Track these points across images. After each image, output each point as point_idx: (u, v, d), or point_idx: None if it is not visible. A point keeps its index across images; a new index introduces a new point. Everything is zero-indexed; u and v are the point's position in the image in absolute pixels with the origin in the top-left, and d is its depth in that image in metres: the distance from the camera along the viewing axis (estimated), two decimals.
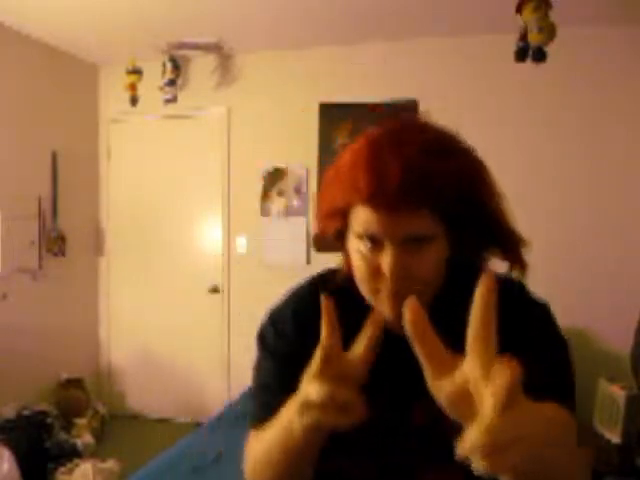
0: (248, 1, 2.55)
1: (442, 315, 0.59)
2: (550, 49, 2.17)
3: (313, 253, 3.15)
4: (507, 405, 0.40)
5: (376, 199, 0.59)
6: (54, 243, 3.15)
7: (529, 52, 2.24)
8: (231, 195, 3.35)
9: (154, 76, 3.18)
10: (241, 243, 3.34)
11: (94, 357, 3.64)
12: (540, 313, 0.70)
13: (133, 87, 3.19)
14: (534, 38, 2.15)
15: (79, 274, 3.48)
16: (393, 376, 0.67)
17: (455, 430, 0.50)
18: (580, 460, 0.51)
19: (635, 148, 2.71)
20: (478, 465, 0.40)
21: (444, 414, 0.51)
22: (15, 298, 2.90)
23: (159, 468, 1.84)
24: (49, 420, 2.70)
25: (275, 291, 0.87)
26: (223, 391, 3.37)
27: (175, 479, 1.78)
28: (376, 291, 0.64)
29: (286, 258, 3.21)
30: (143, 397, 3.57)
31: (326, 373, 0.54)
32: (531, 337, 0.66)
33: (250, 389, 0.79)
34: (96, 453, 2.76)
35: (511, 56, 2.30)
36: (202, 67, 3.34)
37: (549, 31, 2.12)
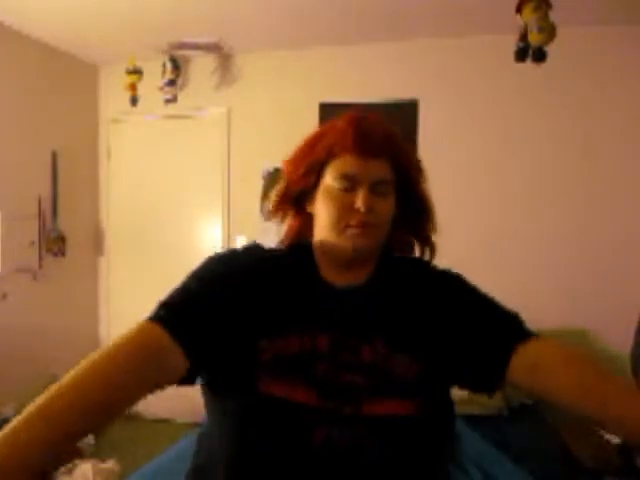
0: (248, 1, 2.55)
1: (375, 291, 0.81)
2: (550, 49, 2.17)
3: None
4: None
5: (362, 147, 0.78)
6: (54, 243, 3.15)
7: (529, 52, 2.23)
8: (231, 195, 3.36)
9: (154, 76, 3.18)
10: (241, 243, 3.34)
11: None
12: (451, 275, 0.85)
13: (133, 87, 3.18)
14: (534, 38, 2.14)
15: (79, 274, 3.48)
16: (344, 322, 0.78)
17: (400, 367, 0.73)
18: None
19: (636, 148, 2.71)
20: None
21: (389, 355, 0.73)
22: (15, 298, 2.90)
23: (159, 468, 1.84)
24: None
25: None
26: None
27: (175, 479, 1.78)
28: (344, 227, 0.78)
29: None
30: None
31: None
32: (467, 299, 0.81)
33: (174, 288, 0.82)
34: (96, 453, 2.75)
35: (511, 56, 2.30)
36: (202, 67, 3.34)
37: (549, 31, 2.11)
